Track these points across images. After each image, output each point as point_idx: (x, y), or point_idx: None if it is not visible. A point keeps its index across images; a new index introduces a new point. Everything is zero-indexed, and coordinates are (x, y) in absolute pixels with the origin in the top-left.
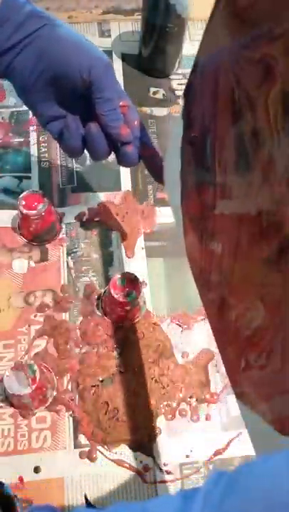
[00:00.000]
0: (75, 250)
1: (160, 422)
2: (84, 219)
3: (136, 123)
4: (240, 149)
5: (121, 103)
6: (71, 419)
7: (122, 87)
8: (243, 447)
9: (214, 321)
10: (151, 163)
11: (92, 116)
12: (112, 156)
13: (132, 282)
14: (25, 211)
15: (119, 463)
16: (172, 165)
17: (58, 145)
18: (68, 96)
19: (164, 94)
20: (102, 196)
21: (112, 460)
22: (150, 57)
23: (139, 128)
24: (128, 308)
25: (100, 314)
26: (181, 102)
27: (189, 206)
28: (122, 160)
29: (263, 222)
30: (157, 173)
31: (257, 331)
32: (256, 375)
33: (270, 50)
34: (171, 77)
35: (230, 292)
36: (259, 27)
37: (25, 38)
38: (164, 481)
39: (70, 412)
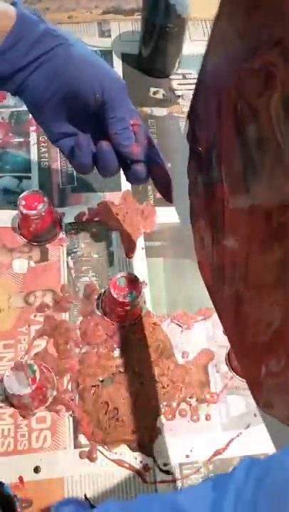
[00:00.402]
0: (75, 250)
1: (160, 422)
2: (84, 219)
3: (146, 141)
4: (246, 159)
5: (132, 121)
6: (71, 419)
7: None
8: (243, 447)
9: (229, 325)
10: (160, 180)
11: (103, 133)
12: None
13: (132, 282)
14: (25, 211)
15: (119, 463)
16: (181, 180)
17: None
18: (80, 114)
19: (164, 94)
20: (102, 196)
21: (112, 460)
22: (150, 57)
23: (149, 146)
24: (128, 308)
25: (100, 314)
26: (185, 122)
27: (199, 217)
28: (131, 177)
29: (274, 223)
30: (166, 190)
31: (275, 336)
32: (278, 381)
33: (269, 58)
34: (171, 77)
35: (246, 290)
36: (257, 37)
37: (40, 56)
38: (164, 481)
39: (70, 412)
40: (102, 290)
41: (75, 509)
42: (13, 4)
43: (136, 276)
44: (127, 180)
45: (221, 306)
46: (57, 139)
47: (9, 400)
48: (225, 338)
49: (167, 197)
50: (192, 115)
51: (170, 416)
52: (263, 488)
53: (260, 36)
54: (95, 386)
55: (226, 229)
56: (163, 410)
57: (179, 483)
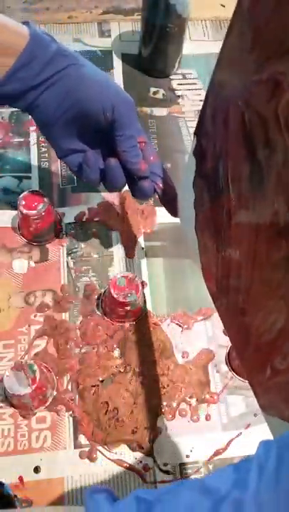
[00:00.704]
0: (75, 250)
1: (160, 422)
2: (84, 219)
3: (152, 158)
4: (253, 165)
5: (139, 139)
6: (71, 419)
7: (123, 88)
8: (243, 447)
9: (234, 332)
10: (165, 196)
11: (111, 150)
12: None
13: (132, 282)
14: (25, 211)
15: (119, 463)
16: (186, 196)
17: None
18: (89, 132)
19: (164, 94)
20: (102, 196)
21: (112, 460)
22: (150, 57)
23: (155, 163)
24: (128, 308)
25: (100, 314)
26: (191, 137)
27: (204, 230)
28: (137, 193)
29: (280, 222)
30: (171, 205)
31: (281, 332)
32: (283, 379)
33: (277, 67)
34: (171, 77)
35: (249, 300)
36: (266, 50)
37: (52, 76)
38: (164, 481)
39: (70, 412)
40: (102, 290)
41: (108, 496)
42: (26, 24)
43: (136, 276)
44: (132, 195)
45: (226, 313)
46: (65, 155)
47: (9, 399)
48: (224, 337)
49: (172, 211)
50: (199, 130)
51: (170, 416)
52: (285, 462)
53: (270, 49)
54: (95, 386)
55: (231, 240)
56: (163, 410)
57: None
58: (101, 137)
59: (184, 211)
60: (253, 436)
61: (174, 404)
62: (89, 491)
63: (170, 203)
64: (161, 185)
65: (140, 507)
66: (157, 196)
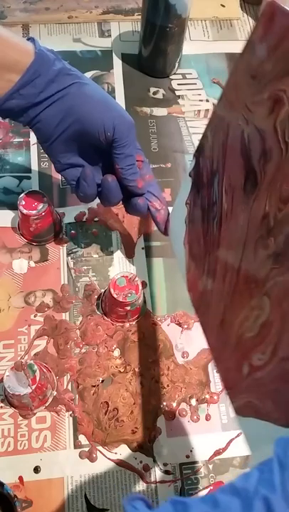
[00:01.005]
0: (75, 250)
1: (160, 422)
2: (84, 219)
3: (148, 177)
4: (248, 173)
5: (137, 158)
6: (71, 419)
7: (122, 88)
8: (243, 447)
9: (213, 340)
10: (158, 214)
11: (109, 165)
12: None
13: (132, 282)
14: (25, 211)
15: (119, 463)
16: (178, 214)
17: None
18: (89, 148)
19: (164, 94)
20: None
21: (112, 460)
22: (150, 57)
23: (151, 182)
24: (128, 308)
25: (100, 314)
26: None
27: (193, 242)
28: (131, 209)
29: (270, 222)
30: (162, 223)
31: (262, 328)
32: (260, 375)
33: (278, 86)
34: (171, 77)
35: (232, 303)
36: (268, 74)
37: (55, 94)
38: (164, 481)
39: (70, 412)
40: (102, 290)
41: (146, 504)
42: (31, 40)
43: (136, 276)
44: (126, 211)
45: (206, 319)
46: (63, 169)
47: (9, 399)
48: None
49: (163, 230)
50: (199, 152)
51: (170, 416)
52: None
53: (272, 73)
54: (95, 386)
55: (220, 245)
56: (163, 410)
57: (179, 483)
58: (100, 153)
59: (174, 227)
60: None
61: (174, 405)
62: (127, 499)
63: (161, 221)
64: (156, 204)
65: (177, 507)
66: (150, 214)
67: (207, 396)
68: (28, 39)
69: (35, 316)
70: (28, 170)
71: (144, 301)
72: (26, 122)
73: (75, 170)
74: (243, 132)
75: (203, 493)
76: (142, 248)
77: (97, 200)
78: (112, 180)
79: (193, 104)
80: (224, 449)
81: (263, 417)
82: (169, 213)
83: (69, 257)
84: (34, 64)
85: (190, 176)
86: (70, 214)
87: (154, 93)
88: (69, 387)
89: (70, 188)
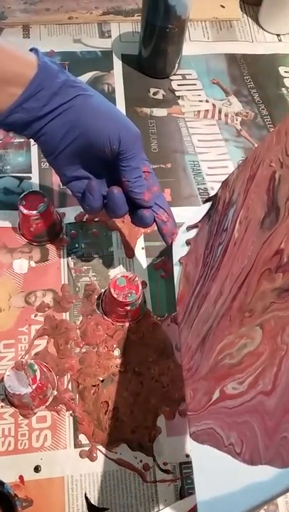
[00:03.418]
0: (75, 250)
1: (160, 421)
2: (84, 219)
3: (155, 189)
4: (269, 210)
5: (143, 169)
6: (71, 418)
7: (122, 89)
8: None
9: (188, 358)
10: (164, 226)
11: (115, 178)
12: None
13: (132, 282)
14: (25, 211)
15: (119, 462)
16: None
17: None
18: (93, 161)
19: (163, 95)
20: None
21: (112, 459)
22: (150, 57)
23: (158, 194)
24: (128, 308)
25: (100, 314)
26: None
27: (190, 263)
28: (137, 221)
29: (283, 259)
30: (168, 235)
31: (247, 358)
32: (232, 404)
33: None
34: (171, 77)
35: (219, 325)
36: None
37: (59, 107)
38: (164, 481)
39: (71, 412)
40: (102, 290)
41: None
42: (34, 51)
43: (136, 276)
44: (132, 222)
45: (186, 337)
46: (69, 182)
47: (10, 399)
48: None
49: (169, 242)
50: (223, 182)
51: (170, 415)
52: None
53: None
54: (95, 386)
55: (223, 264)
56: (163, 410)
57: (179, 483)
58: (105, 165)
59: (179, 241)
60: None
61: (174, 404)
62: None
63: (167, 233)
64: (163, 216)
65: None
66: (157, 226)
67: None
68: (31, 50)
69: (35, 316)
70: (29, 170)
71: (144, 301)
72: (30, 136)
73: (80, 182)
74: (275, 173)
75: None
76: (142, 248)
77: None
78: (118, 192)
79: (193, 104)
80: None
81: (222, 448)
82: (175, 225)
83: (69, 257)
84: (37, 77)
85: (208, 200)
86: (70, 214)
87: (154, 94)
88: (69, 387)
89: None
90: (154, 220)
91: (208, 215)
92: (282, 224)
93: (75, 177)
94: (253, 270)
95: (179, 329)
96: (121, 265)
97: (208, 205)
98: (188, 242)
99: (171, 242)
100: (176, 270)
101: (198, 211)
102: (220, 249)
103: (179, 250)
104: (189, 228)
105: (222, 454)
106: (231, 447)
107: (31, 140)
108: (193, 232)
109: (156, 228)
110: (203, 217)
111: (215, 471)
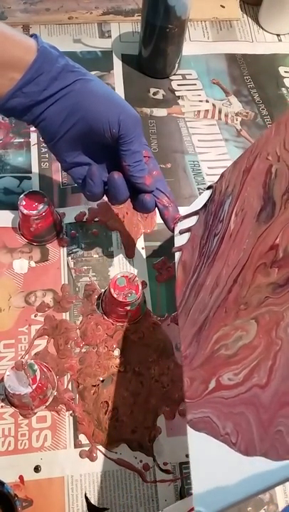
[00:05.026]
0: (75, 250)
1: (160, 421)
2: (84, 219)
3: (155, 173)
4: (265, 203)
5: (144, 154)
6: (71, 418)
7: (122, 89)
8: None
9: (186, 345)
10: (166, 211)
11: (116, 163)
12: None
13: (132, 282)
14: (25, 211)
15: (119, 462)
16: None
17: None
18: (94, 146)
19: (163, 95)
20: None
21: (112, 459)
22: (150, 57)
23: (159, 178)
24: (128, 308)
25: (100, 314)
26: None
27: (188, 250)
28: (138, 206)
29: (279, 254)
30: (170, 220)
31: (242, 350)
32: (227, 394)
33: None
34: (171, 77)
35: (216, 315)
36: None
37: (58, 91)
38: (163, 481)
39: (71, 412)
40: (102, 290)
41: None
42: (34, 36)
43: (136, 276)
44: (134, 208)
45: (184, 324)
46: (69, 168)
47: (10, 399)
48: None
49: (171, 227)
50: (221, 174)
51: (170, 415)
52: None
53: None
54: (95, 386)
55: (219, 255)
56: (163, 410)
57: (179, 483)
58: (106, 151)
59: (180, 229)
60: None
61: (174, 404)
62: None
63: (169, 219)
64: (164, 200)
65: None
66: (158, 211)
67: None
68: (31, 36)
69: (35, 316)
70: (29, 170)
71: (144, 301)
72: (30, 121)
73: (81, 168)
74: (272, 167)
75: None
76: (142, 248)
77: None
78: (119, 177)
79: (193, 104)
80: None
81: (218, 437)
82: (177, 210)
83: (69, 257)
84: (37, 61)
85: (210, 188)
86: (70, 214)
87: (154, 94)
88: (69, 387)
89: (70, 188)
90: (156, 205)
91: (205, 205)
92: (278, 218)
93: (76, 163)
94: (249, 263)
95: (178, 316)
96: (121, 265)
97: (208, 192)
98: (189, 229)
99: (174, 228)
100: (177, 257)
101: (199, 198)
102: (216, 240)
103: (180, 237)
104: (190, 215)
105: (219, 442)
106: (227, 437)
107: (31, 140)
108: (194, 219)
109: (156, 228)
110: (204, 205)
111: (211, 459)
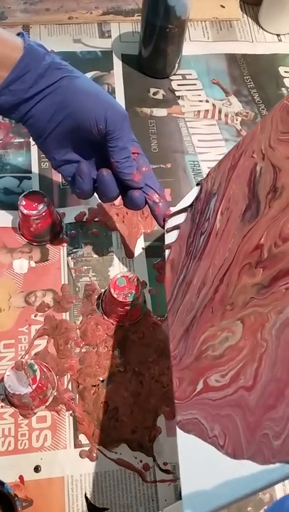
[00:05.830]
0: (75, 250)
1: (160, 421)
2: (84, 219)
3: (144, 169)
4: (250, 202)
5: (132, 150)
6: (71, 418)
7: (122, 89)
8: None
9: (174, 345)
10: (156, 207)
11: (105, 160)
12: None
13: (132, 282)
14: (25, 211)
15: (119, 462)
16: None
17: None
18: (83, 143)
19: (163, 95)
20: None
21: (112, 459)
22: (150, 57)
23: (149, 174)
24: (128, 308)
25: (100, 314)
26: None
27: (177, 248)
28: (129, 204)
29: (264, 254)
30: (160, 216)
31: (228, 351)
32: (215, 396)
33: None
34: (171, 77)
35: (202, 315)
36: None
37: (45, 88)
38: (163, 481)
39: (71, 412)
40: (102, 290)
41: None
42: (20, 35)
43: (136, 276)
44: (124, 205)
45: (172, 323)
46: (59, 166)
47: (10, 399)
48: None
49: (161, 224)
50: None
51: (170, 415)
52: None
53: None
54: (95, 386)
55: (205, 254)
56: (163, 410)
57: (178, 483)
58: (95, 148)
59: (166, 230)
60: None
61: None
62: None
63: (159, 215)
64: (154, 196)
65: None
66: (148, 208)
67: None
68: (18, 34)
69: (35, 316)
70: (29, 170)
71: (144, 301)
72: (18, 119)
73: (70, 166)
74: (256, 165)
75: None
76: (142, 248)
77: (98, 201)
78: (108, 174)
79: (193, 104)
80: None
81: (206, 439)
82: (168, 206)
83: (69, 257)
84: (23, 59)
85: (198, 185)
86: (70, 214)
87: (154, 94)
88: (69, 387)
89: (70, 188)
90: (146, 202)
91: (192, 202)
92: (263, 218)
93: (66, 161)
94: (234, 263)
95: (168, 314)
96: (121, 265)
97: (197, 189)
98: (177, 227)
99: (164, 225)
100: (166, 255)
101: (188, 196)
102: (202, 239)
103: (170, 235)
104: (179, 212)
105: (207, 445)
106: (215, 439)
107: (31, 140)
108: (183, 217)
109: (156, 228)
110: (191, 203)
111: (200, 461)
